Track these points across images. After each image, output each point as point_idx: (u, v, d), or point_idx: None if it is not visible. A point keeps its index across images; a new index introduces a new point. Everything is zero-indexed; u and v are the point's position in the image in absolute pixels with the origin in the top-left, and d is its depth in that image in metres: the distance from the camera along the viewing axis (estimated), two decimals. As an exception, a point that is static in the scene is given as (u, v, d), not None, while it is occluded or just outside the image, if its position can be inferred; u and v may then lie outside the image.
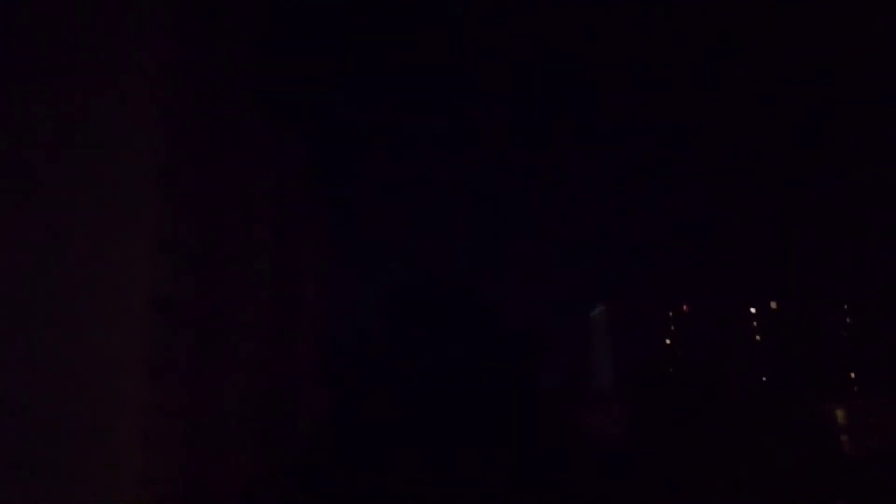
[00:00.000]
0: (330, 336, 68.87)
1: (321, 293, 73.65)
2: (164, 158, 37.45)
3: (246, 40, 52.32)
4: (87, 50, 36.53)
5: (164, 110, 37.84)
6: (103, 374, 32.78)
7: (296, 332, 59.01)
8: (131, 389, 33.16)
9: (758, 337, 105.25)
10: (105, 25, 36.97)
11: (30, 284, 33.53)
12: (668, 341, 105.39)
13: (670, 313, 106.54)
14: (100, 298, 33.78)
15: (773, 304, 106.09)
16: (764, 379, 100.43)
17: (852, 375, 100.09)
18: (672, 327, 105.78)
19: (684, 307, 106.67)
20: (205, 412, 40.71)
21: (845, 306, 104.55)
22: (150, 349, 34.78)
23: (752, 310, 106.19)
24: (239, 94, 49.67)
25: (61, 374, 32.37)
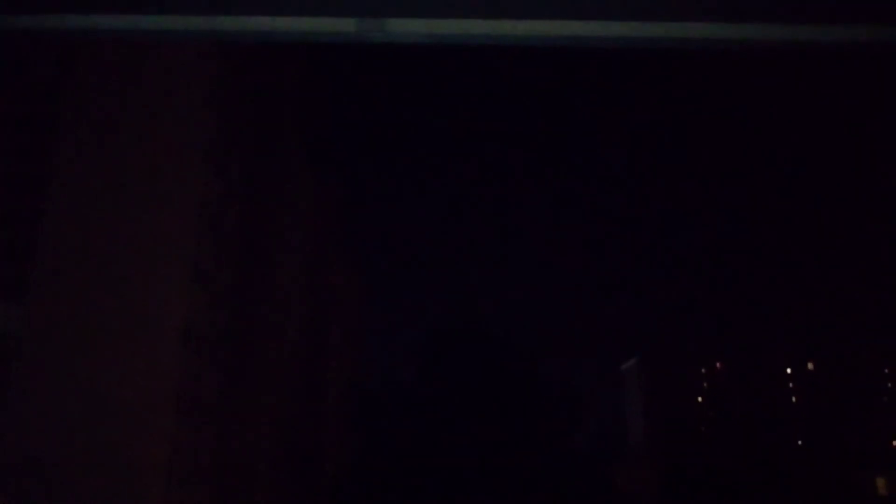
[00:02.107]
0: (359, 380, 68.41)
1: (351, 337, 73.39)
2: (204, 195, 37.95)
3: (290, 97, 53.49)
4: (142, 100, 37.50)
5: (209, 152, 38.52)
6: (133, 405, 32.71)
7: (325, 373, 58.66)
8: (160, 423, 32.99)
9: (794, 399, 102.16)
10: (163, 91, 37.95)
11: (69, 311, 33.84)
12: (700, 399, 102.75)
13: (703, 370, 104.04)
14: (135, 330, 33.95)
15: (811, 365, 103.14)
16: (800, 443, 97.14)
17: (894, 443, 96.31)
18: (705, 384, 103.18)
19: (718, 364, 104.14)
20: (232, 450, 40.30)
21: (886, 370, 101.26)
22: (180, 383, 34.69)
23: (788, 370, 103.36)
24: (282, 142, 50.51)
25: (90, 402, 32.35)
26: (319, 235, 61.23)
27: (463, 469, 44.49)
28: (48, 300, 34.02)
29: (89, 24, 1.75)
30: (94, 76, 37.49)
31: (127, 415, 32.34)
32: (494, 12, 1.69)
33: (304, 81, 58.23)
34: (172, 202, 36.01)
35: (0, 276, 36.75)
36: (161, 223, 35.52)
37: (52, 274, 34.48)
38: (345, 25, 1.67)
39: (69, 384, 32.50)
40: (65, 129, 36.98)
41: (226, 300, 41.22)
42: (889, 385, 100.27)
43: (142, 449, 32.15)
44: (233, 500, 39.61)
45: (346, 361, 68.38)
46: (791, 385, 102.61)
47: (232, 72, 42.80)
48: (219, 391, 39.64)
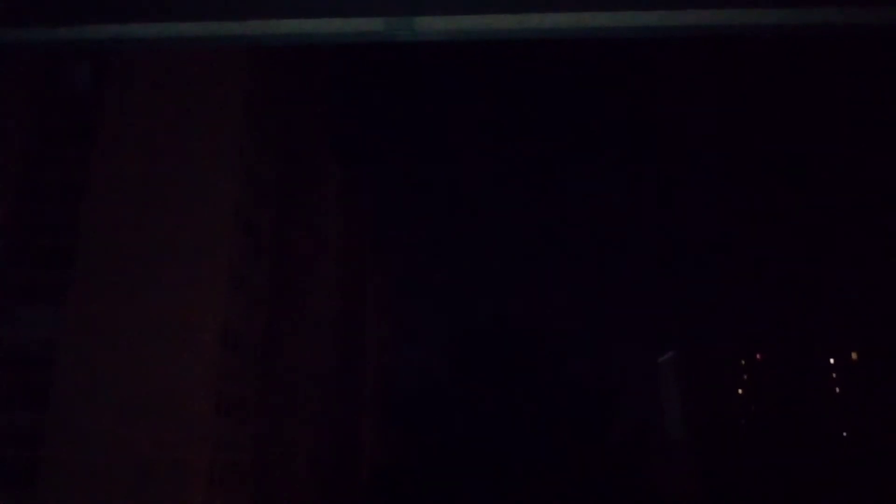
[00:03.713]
0: (393, 377, 68.76)
1: (385, 334, 73.81)
2: (239, 197, 38.46)
3: (319, 101, 53.97)
4: (177, 106, 38.11)
5: (241, 153, 39.03)
6: (174, 407, 33.30)
7: (359, 371, 59.09)
8: (201, 424, 33.54)
9: (837, 390, 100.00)
10: (196, 97, 38.50)
11: (108, 316, 34.59)
12: (740, 391, 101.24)
13: (743, 362, 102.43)
14: (174, 333, 34.56)
15: (854, 355, 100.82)
16: (845, 435, 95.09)
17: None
18: (745, 376, 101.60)
19: (758, 356, 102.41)
20: (271, 449, 40.82)
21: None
22: (220, 384, 35.24)
23: (831, 360, 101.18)
24: (312, 146, 50.98)
25: (132, 404, 33.01)
26: (352, 236, 61.66)
27: (498, 465, 44.40)
28: (88, 305, 34.82)
29: (122, 34, 1.79)
30: (129, 84, 38.24)
31: (167, 416, 32.96)
32: (521, 6, 1.69)
33: (334, 83, 58.68)
34: (208, 206, 36.56)
35: (44, 283, 37.74)
36: (197, 227, 36.10)
37: (91, 279, 35.28)
38: (373, 25, 1.69)
39: (110, 386, 33.24)
40: (102, 137, 37.80)
41: (262, 301, 41.74)
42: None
43: (183, 449, 32.74)
44: (272, 499, 40.14)
45: (380, 361, 68.81)
46: (834, 376, 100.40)
47: (263, 75, 43.29)
48: (257, 391, 40.18)
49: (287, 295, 45.09)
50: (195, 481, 32.65)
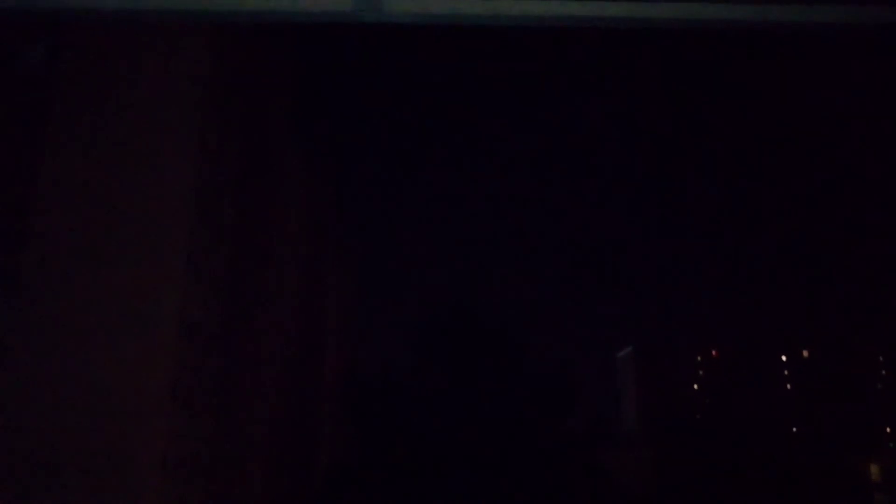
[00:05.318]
0: (355, 370, 68.60)
1: (347, 326, 73.52)
2: (198, 184, 37.81)
3: (285, 88, 53.35)
4: (135, 87, 37.19)
5: (201, 137, 38.33)
6: (128, 399, 32.67)
7: (321, 363, 58.82)
8: (156, 417, 32.98)
9: (788, 386, 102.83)
10: (155, 80, 37.55)
11: (62, 303, 33.73)
12: (695, 386, 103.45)
13: (698, 358, 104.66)
14: (128, 321, 33.86)
15: (805, 353, 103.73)
16: (795, 430, 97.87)
17: (888, 429, 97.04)
18: (700, 372, 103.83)
19: (713, 352, 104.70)
20: (227, 441, 40.36)
21: (880, 358, 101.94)
22: (176, 375, 34.66)
23: (783, 358, 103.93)
24: (276, 133, 50.40)
25: (85, 396, 32.30)
26: (315, 227, 61.15)
27: (457, 457, 44.68)
28: (39, 293, 33.89)
29: (81, 5, 1.74)
30: (86, 64, 37.19)
31: (122, 409, 32.31)
32: None
33: (300, 71, 58.02)
34: (166, 193, 35.83)
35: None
36: (155, 215, 35.36)
37: (43, 266, 34.35)
38: (340, 5, 1.66)
39: (62, 378, 32.43)
40: (56, 119, 36.76)
41: (221, 292, 41.14)
42: (883, 372, 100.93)
43: (137, 443, 32.15)
44: (230, 493, 39.71)
45: (341, 353, 68.47)
46: (786, 372, 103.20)
47: (227, 60, 42.54)
48: (215, 384, 39.62)
49: (247, 284, 44.53)
50: (148, 475, 32.11)
